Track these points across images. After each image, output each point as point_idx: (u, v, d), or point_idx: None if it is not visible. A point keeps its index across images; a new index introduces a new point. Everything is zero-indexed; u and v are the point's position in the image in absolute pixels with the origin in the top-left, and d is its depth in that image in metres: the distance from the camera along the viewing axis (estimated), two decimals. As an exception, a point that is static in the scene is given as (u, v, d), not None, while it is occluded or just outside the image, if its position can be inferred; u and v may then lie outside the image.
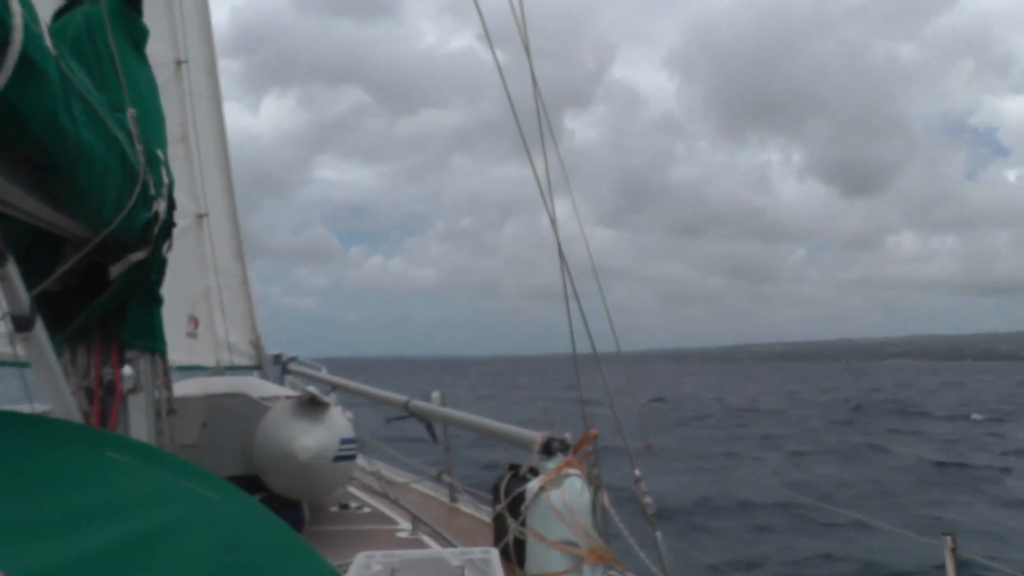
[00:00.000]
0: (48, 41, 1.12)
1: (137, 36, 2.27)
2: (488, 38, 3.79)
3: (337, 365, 8.66)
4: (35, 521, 0.70)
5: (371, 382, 7.64)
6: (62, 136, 1.21)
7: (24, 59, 1.02)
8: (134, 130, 1.83)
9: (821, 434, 26.19)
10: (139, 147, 1.82)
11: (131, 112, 1.86)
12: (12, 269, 1.28)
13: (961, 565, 2.54)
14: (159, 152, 2.11)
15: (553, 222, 3.96)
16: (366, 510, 5.64)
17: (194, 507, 0.84)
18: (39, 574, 0.59)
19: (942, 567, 2.63)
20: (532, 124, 3.97)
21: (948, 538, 2.54)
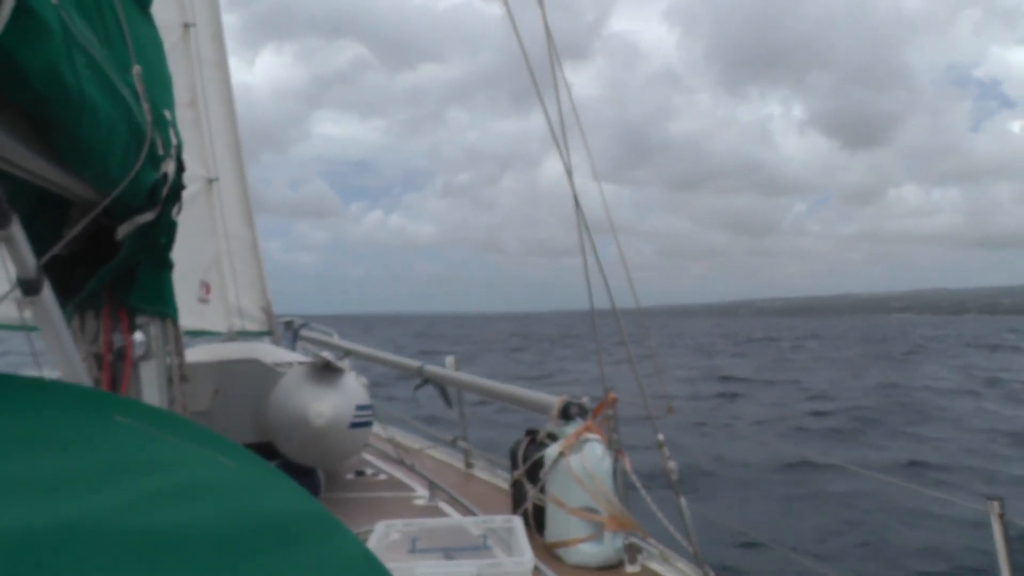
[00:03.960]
0: None
1: None
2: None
3: (338, 322, 8.57)
4: (26, 481, 0.64)
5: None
6: (64, 90, 1.15)
7: (22, 6, 0.96)
8: (140, 88, 1.75)
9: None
10: (145, 106, 1.75)
11: (136, 70, 1.78)
12: (17, 230, 1.22)
13: (1011, 532, 2.43)
14: (166, 112, 2.04)
15: (567, 169, 3.86)
16: (382, 477, 5.64)
17: (207, 471, 0.80)
18: (22, 534, 0.54)
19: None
20: (537, 73, 3.84)
21: (995, 503, 2.43)
